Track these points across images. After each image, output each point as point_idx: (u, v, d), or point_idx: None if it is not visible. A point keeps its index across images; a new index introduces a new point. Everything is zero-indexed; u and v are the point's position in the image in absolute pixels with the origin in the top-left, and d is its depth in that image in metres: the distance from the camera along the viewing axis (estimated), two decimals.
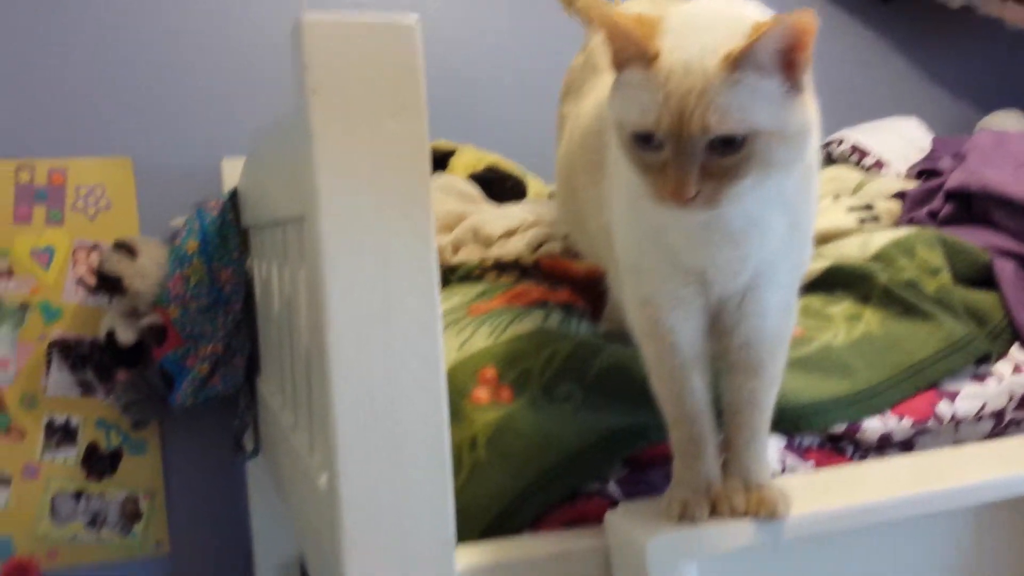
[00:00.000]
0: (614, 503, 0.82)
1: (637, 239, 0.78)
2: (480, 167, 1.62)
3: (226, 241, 1.53)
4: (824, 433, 0.94)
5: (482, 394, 0.90)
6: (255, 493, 1.68)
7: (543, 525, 0.82)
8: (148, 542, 1.75)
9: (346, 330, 0.72)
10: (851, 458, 0.95)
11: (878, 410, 0.97)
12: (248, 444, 1.54)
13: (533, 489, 0.82)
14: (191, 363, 1.51)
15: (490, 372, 0.92)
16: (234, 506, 1.78)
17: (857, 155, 1.80)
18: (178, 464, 1.77)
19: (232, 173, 1.68)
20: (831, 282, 1.15)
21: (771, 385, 0.80)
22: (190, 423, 1.74)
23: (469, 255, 1.23)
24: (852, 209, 1.41)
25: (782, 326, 0.79)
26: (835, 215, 1.38)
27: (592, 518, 0.82)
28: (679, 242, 0.74)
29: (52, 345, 1.69)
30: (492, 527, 0.81)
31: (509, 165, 1.68)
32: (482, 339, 0.98)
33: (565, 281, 1.17)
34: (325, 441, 0.77)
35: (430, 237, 0.73)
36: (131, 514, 1.73)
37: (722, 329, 0.79)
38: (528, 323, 1.01)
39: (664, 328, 0.78)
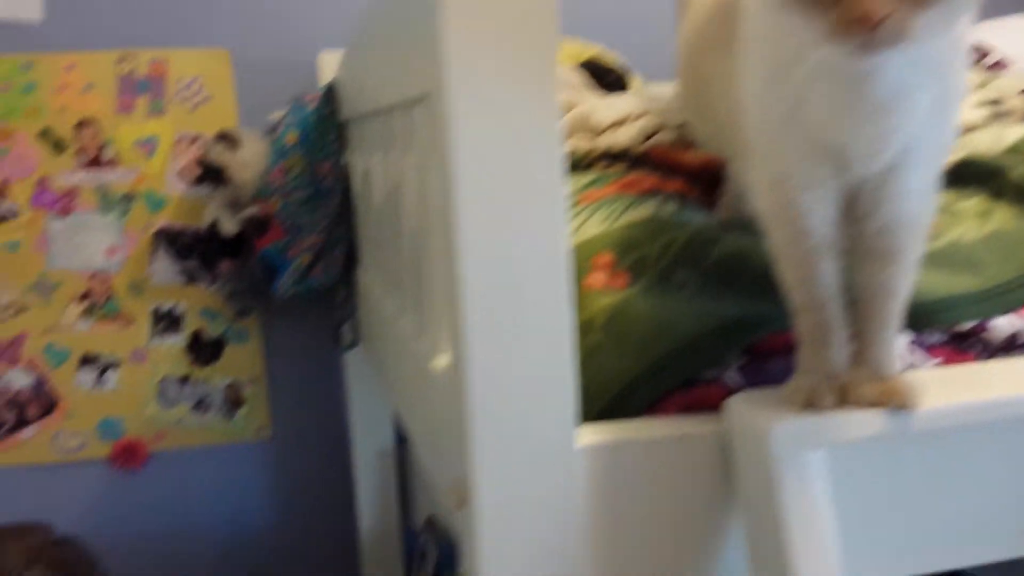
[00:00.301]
0: (732, 392, 0.81)
1: (773, 115, 0.74)
2: (583, 58, 1.57)
3: (324, 135, 1.54)
4: (951, 331, 0.91)
5: (597, 279, 0.88)
6: (353, 382, 1.72)
7: (659, 410, 0.82)
8: (250, 427, 1.81)
9: (473, 208, 0.70)
10: (977, 357, 0.91)
11: (1008, 308, 0.92)
12: (347, 336, 1.56)
13: (649, 373, 0.81)
14: (292, 254, 1.53)
15: (605, 258, 0.90)
16: (333, 394, 1.83)
17: (977, 55, 1.69)
18: (279, 353, 1.82)
19: (329, 67, 1.67)
20: (962, 175, 1.09)
21: (907, 273, 0.76)
22: (291, 313, 1.78)
23: (577, 144, 1.20)
24: (980, 104, 1.33)
25: (923, 211, 0.75)
26: (963, 110, 1.31)
27: (710, 405, 0.80)
28: (820, 115, 0.70)
29: (158, 234, 1.73)
30: (608, 410, 0.81)
31: (611, 58, 1.63)
32: (596, 225, 0.96)
33: (678, 172, 1.14)
34: (451, 323, 0.77)
35: (556, 110, 0.71)
36: (234, 400, 1.79)
37: (858, 213, 0.75)
38: (642, 211, 0.99)
39: (796, 210, 0.75)
